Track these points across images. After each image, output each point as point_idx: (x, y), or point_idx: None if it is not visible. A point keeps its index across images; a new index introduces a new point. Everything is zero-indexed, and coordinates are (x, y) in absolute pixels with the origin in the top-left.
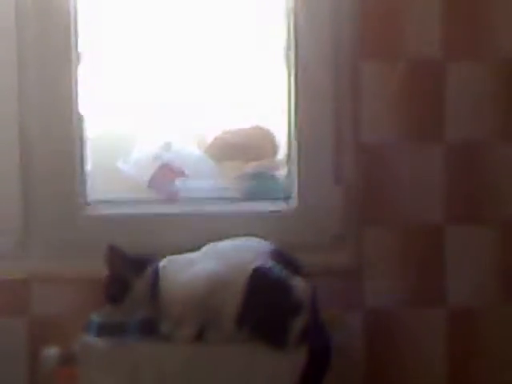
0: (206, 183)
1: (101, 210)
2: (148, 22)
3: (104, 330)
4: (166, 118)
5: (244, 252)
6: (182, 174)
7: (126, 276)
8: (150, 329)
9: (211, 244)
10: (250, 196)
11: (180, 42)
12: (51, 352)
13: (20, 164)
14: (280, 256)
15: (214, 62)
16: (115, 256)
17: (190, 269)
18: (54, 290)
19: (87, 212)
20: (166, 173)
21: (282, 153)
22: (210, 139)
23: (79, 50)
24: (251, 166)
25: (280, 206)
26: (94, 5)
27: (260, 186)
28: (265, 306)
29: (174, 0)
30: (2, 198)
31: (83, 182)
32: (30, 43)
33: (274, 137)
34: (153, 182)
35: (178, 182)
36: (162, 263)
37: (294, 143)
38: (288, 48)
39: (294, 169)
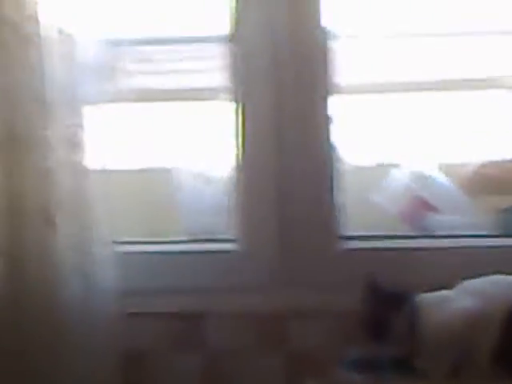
0: (460, 218)
1: (354, 243)
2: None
3: (360, 365)
4: (417, 148)
5: (502, 288)
6: (434, 207)
7: (384, 311)
8: (405, 366)
9: (468, 280)
10: (508, 231)
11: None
12: None
13: (275, 198)
14: None
15: (467, 89)
16: (374, 291)
17: (446, 305)
18: (311, 323)
19: (341, 245)
20: (418, 206)
21: None
22: (464, 171)
23: (331, 80)
24: (509, 201)
25: None
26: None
27: None
28: None
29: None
30: (258, 230)
31: (337, 215)
32: (285, 77)
33: None
34: (405, 215)
35: (431, 216)
36: (419, 299)
37: None
38: None
39: None
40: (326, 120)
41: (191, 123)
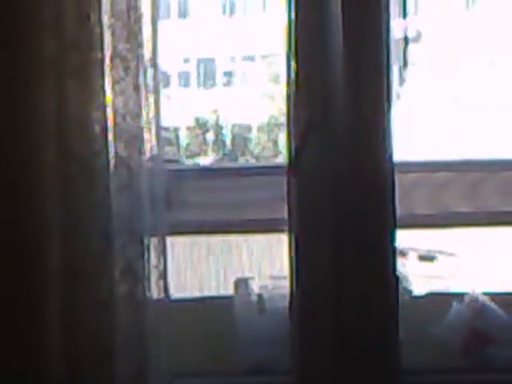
0: None
1: (414, 377)
2: None
3: None
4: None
5: None
6: (494, 340)
7: None
8: None
9: None
10: None
11: None
12: None
13: (333, 330)
14: None
15: None
16: None
17: None
18: None
19: (401, 379)
20: (477, 339)
21: None
22: None
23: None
24: None
25: None
26: None
27: None
28: None
29: None
30: (315, 363)
31: (397, 347)
32: None
33: None
34: (464, 349)
35: (491, 349)
36: None
37: None
38: None
39: None
40: (389, 252)
41: (250, 253)
